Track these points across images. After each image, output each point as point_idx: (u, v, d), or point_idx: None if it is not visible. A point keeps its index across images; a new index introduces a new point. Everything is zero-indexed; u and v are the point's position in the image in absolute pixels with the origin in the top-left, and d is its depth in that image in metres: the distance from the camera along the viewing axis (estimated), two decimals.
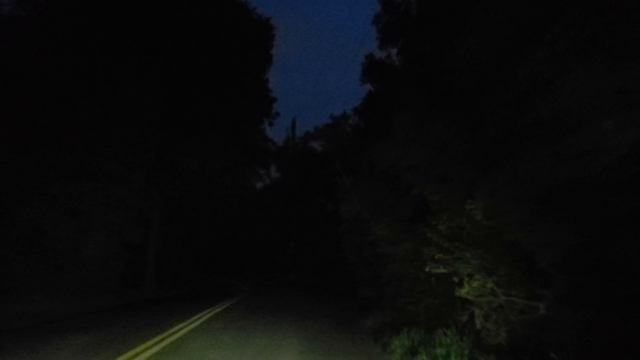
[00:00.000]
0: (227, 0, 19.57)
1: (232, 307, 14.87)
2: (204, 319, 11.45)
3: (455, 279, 6.96)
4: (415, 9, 10.47)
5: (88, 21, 15.63)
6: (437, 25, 7.69)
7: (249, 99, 19.97)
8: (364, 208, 12.88)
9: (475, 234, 6.45)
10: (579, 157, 4.27)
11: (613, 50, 4.00)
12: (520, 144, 5.09)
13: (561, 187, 4.48)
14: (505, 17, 5.18)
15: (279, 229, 46.67)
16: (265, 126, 25.53)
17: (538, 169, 4.80)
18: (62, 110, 14.54)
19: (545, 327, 4.97)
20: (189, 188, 21.90)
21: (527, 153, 4.99)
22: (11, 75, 14.13)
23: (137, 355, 6.76)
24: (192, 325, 9.97)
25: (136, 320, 10.85)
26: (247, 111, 20.00)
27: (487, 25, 5.32)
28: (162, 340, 8.10)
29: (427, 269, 8.85)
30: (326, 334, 9.52)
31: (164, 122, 17.75)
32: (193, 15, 18.10)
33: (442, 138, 6.50)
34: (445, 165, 6.58)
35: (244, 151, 21.60)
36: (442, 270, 7.63)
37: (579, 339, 4.27)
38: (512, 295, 6.26)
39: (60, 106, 14.59)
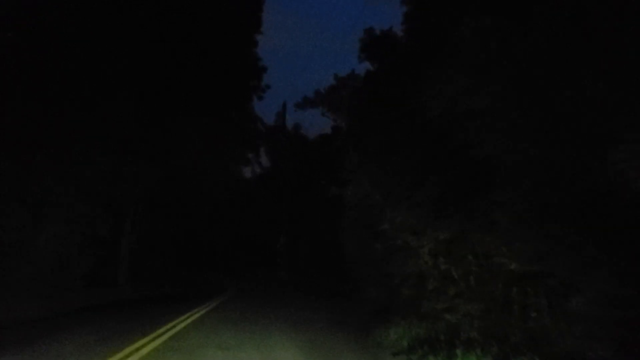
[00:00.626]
0: None
1: (215, 312, 12.42)
2: (178, 328, 8.98)
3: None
4: None
5: None
6: None
7: (236, 68, 17.39)
8: (375, 190, 10.49)
9: None
10: None
11: None
12: None
13: None
14: None
15: (269, 223, 44.11)
16: (255, 104, 22.89)
17: None
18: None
19: None
20: (169, 173, 19.33)
21: None
22: None
23: None
24: (160, 340, 7.50)
25: (86, 331, 8.33)
26: (234, 83, 17.46)
27: None
28: None
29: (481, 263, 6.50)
30: (338, 354, 7.08)
31: (137, 93, 15.17)
32: None
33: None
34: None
35: (230, 130, 19.03)
36: (513, 265, 5.28)
37: None
38: None
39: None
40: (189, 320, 10.19)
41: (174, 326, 9.13)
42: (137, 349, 6.62)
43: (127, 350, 6.46)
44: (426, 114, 5.90)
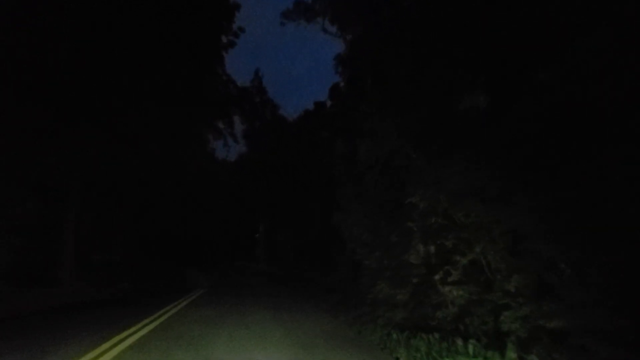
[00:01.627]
0: None
1: (179, 318, 8.83)
2: (115, 351, 5.43)
3: None
4: None
5: None
6: None
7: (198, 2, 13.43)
8: (406, 143, 7.08)
9: None
10: None
11: None
12: None
13: None
14: None
15: (248, 212, 40.27)
16: (225, 64, 18.89)
17: None
18: None
19: None
20: (121, 148, 15.44)
21: None
22: None
23: None
24: None
25: None
26: (198, 25, 13.58)
27: None
28: None
29: None
30: None
31: (72, 34, 11.26)
32: None
33: None
34: None
35: (195, 91, 15.20)
36: None
37: None
38: None
39: None
40: (139, 334, 6.64)
41: (111, 348, 5.57)
42: None
43: None
44: None
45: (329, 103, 31.30)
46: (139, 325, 8.03)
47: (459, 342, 6.08)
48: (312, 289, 17.34)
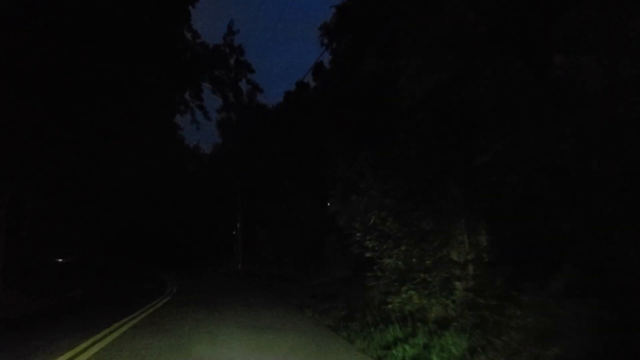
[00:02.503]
0: None
1: (118, 350, 5.71)
2: None
3: None
4: None
5: None
6: None
7: None
8: None
9: None
10: None
11: None
12: None
13: None
14: None
15: (225, 206, 36.76)
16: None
17: None
18: None
19: None
20: (62, 128, 12.09)
21: None
22: None
23: None
24: None
25: None
26: None
27: None
28: None
29: None
30: None
31: None
32: None
33: None
34: None
35: (152, 51, 11.89)
36: None
37: None
38: None
39: None
40: None
41: None
42: None
43: None
44: None
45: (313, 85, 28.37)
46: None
47: None
48: (301, 293, 14.32)
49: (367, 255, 8.75)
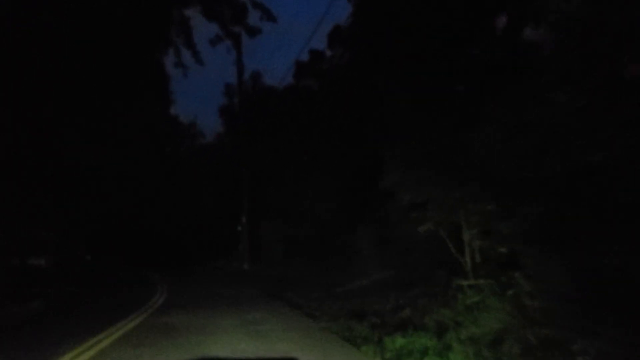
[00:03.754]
0: None
1: None
2: None
3: None
4: None
5: None
6: None
7: None
8: None
9: None
10: None
11: None
12: None
13: None
14: None
15: (230, 200, 32.52)
16: None
17: None
18: None
19: None
20: None
21: None
22: None
23: None
24: None
25: None
26: None
27: None
28: None
29: None
30: None
31: None
32: None
33: None
34: None
35: None
36: None
37: None
38: None
39: None
40: None
41: None
42: None
43: None
44: None
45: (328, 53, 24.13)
46: None
47: None
48: (337, 308, 10.15)
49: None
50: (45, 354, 6.28)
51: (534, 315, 5.15)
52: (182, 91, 75.89)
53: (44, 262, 20.51)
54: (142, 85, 16.45)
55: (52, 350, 6.39)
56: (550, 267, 5.06)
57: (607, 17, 4.81)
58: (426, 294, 8.58)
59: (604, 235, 4.54)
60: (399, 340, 6.13)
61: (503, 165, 5.66)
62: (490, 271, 6.84)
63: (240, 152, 26.51)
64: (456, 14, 9.59)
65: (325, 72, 21.16)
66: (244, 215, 27.15)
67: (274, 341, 6.80)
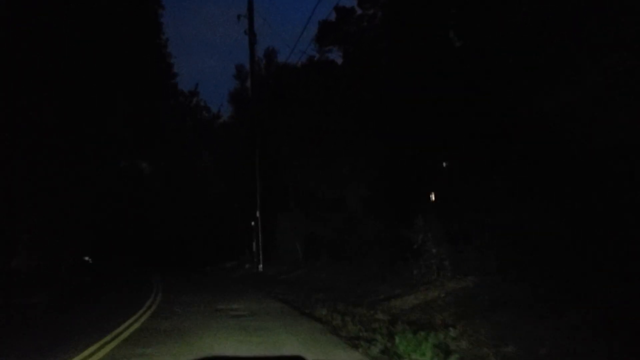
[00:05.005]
0: None
1: None
2: None
3: None
4: None
5: None
6: None
7: None
8: None
9: None
10: None
11: None
12: None
13: None
14: None
15: (245, 195, 28.59)
16: None
17: None
18: None
19: None
20: None
21: None
22: None
23: None
24: None
25: None
26: None
27: None
28: None
29: None
30: None
31: None
32: None
33: None
34: None
35: None
36: None
37: None
38: None
39: None
40: None
41: None
42: None
43: None
44: None
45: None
46: None
47: None
48: None
49: None
50: None
51: None
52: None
53: (19, 265, 16.91)
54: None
55: None
56: None
57: None
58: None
59: None
60: None
61: None
62: None
63: (253, 135, 22.64)
64: None
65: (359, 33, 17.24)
66: (258, 209, 23.30)
67: None
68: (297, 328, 7.94)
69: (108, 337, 7.31)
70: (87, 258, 29.09)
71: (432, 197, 10.88)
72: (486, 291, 8.21)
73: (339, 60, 21.73)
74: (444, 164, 10.94)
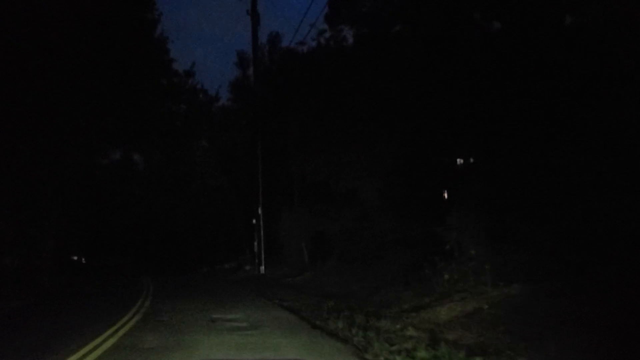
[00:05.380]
0: None
1: None
2: None
3: None
4: None
5: None
6: None
7: None
8: None
9: None
10: None
11: None
12: None
13: None
14: None
15: (247, 190, 26.96)
16: None
17: None
18: None
19: None
20: None
21: None
22: None
23: None
24: None
25: None
26: None
27: None
28: None
29: None
30: None
31: None
32: None
33: None
34: None
35: None
36: None
37: None
38: None
39: None
40: None
41: None
42: None
43: None
44: None
45: None
46: None
47: None
48: None
49: None
50: None
51: None
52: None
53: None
54: None
55: None
56: None
57: None
58: None
59: None
60: None
61: None
62: None
63: (255, 124, 21.03)
64: None
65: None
66: (260, 205, 21.71)
67: None
68: (310, 347, 6.35)
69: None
70: (76, 257, 27.55)
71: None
72: (546, 303, 6.61)
73: (350, 40, 20.04)
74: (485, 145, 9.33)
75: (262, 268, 21.11)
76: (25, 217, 17.42)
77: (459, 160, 11.95)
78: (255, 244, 22.17)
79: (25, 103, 13.78)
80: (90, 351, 6.22)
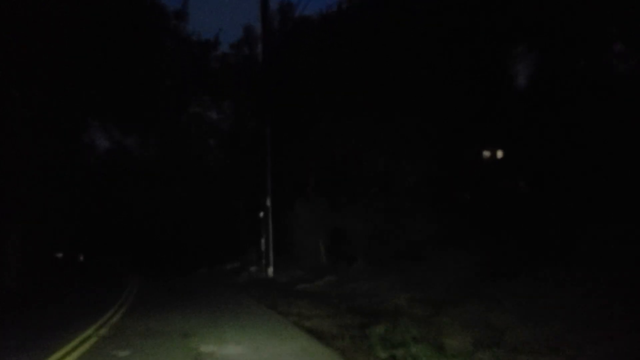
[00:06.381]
0: None
1: None
2: None
3: None
4: None
5: None
6: None
7: None
8: None
9: None
10: None
11: None
12: None
13: None
14: None
15: (254, 184, 23.55)
16: None
17: None
18: None
19: None
20: None
21: None
22: None
23: None
24: None
25: None
26: None
27: None
28: None
29: None
30: None
31: None
32: None
33: None
34: None
35: None
36: None
37: None
38: None
39: None
40: None
41: None
42: None
43: None
44: None
45: None
46: None
47: None
48: None
49: None
50: None
51: None
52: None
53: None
54: None
55: None
56: None
57: None
58: None
59: None
60: None
61: None
62: None
63: (264, 98, 17.64)
64: None
65: None
66: (269, 195, 18.35)
67: None
68: None
69: None
70: (61, 255, 24.47)
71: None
72: None
73: None
74: None
75: (271, 270, 17.75)
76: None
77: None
78: (263, 241, 18.78)
79: None
80: None
